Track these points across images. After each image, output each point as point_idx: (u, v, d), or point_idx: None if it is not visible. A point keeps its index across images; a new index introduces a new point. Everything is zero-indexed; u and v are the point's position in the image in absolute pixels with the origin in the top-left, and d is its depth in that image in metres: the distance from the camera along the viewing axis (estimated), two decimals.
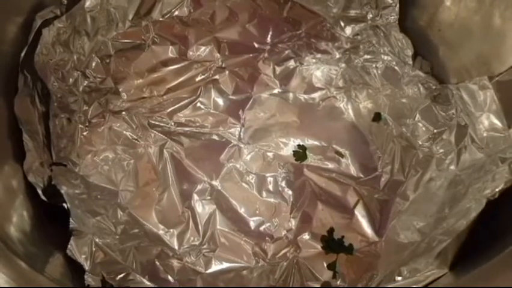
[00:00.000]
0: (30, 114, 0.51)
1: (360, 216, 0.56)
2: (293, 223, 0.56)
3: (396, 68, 0.62)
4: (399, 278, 0.45)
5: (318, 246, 0.54)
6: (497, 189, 0.42)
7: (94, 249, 0.47)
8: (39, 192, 0.48)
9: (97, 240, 0.48)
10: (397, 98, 0.61)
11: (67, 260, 0.46)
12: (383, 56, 0.62)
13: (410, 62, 0.60)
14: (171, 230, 0.54)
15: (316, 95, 0.63)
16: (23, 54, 0.49)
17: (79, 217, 0.49)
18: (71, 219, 0.47)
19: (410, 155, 0.58)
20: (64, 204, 0.48)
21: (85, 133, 0.58)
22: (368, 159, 0.59)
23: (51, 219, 0.48)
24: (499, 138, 0.49)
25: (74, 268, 0.45)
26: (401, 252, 0.50)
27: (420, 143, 0.58)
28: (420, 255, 0.45)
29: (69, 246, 0.46)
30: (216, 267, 0.53)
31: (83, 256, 0.46)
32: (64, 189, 0.50)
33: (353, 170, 0.59)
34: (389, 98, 0.61)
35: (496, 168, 0.45)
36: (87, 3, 0.56)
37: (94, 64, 0.59)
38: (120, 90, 0.61)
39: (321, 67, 0.64)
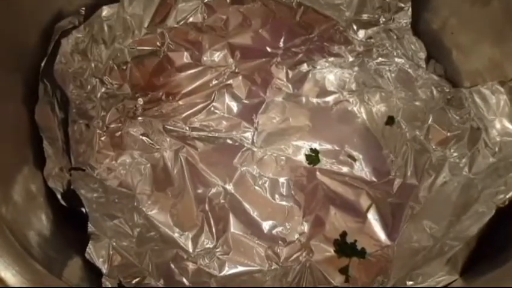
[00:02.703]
0: (50, 121, 0.52)
1: (373, 220, 0.56)
2: (306, 227, 0.56)
3: (409, 71, 0.61)
4: (410, 283, 0.45)
5: (331, 250, 0.54)
6: (507, 196, 0.41)
7: (111, 252, 0.48)
8: (59, 197, 0.49)
9: (114, 243, 0.49)
10: (410, 101, 0.60)
11: (85, 264, 0.47)
12: (396, 59, 0.62)
13: (424, 65, 0.60)
14: (186, 233, 0.55)
15: (329, 99, 0.63)
16: (43, 64, 0.51)
17: (97, 221, 0.50)
18: (89, 224, 0.48)
19: (424, 159, 0.57)
20: (82, 209, 0.49)
21: (103, 138, 0.59)
22: (381, 163, 0.59)
23: (71, 224, 0.49)
24: (511, 143, 0.49)
25: (92, 271, 0.46)
26: (413, 257, 0.50)
27: (433, 146, 0.57)
28: (432, 260, 0.45)
29: (87, 249, 0.47)
30: (229, 270, 0.53)
31: (101, 259, 0.47)
32: (82, 193, 0.51)
33: (365, 174, 0.59)
34: (403, 101, 0.61)
35: (508, 174, 0.45)
36: (104, 12, 0.57)
37: (111, 71, 0.59)
38: (137, 96, 0.61)
39: (334, 70, 0.64)
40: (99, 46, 0.58)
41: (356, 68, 0.63)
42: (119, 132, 0.60)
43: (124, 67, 0.60)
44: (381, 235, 0.55)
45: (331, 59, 0.64)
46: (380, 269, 0.52)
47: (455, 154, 0.56)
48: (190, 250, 0.54)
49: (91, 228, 0.48)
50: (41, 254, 0.42)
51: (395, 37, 0.62)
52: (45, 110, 0.52)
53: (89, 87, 0.58)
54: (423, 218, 0.53)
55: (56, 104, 0.54)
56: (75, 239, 0.48)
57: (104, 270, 0.46)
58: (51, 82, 0.52)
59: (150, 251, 0.52)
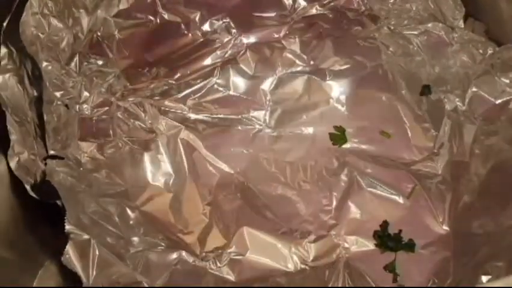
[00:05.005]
0: (18, 98, 0.43)
1: (419, 206, 0.48)
2: (337, 217, 0.48)
3: (441, 34, 0.54)
4: (486, 278, 0.36)
5: (371, 244, 0.46)
6: None
7: (96, 256, 0.38)
8: (28, 187, 0.40)
9: (100, 246, 0.40)
10: (446, 68, 0.54)
11: (62, 272, 0.38)
12: (424, 23, 0.55)
13: (461, 25, 0.54)
14: (191, 232, 0.47)
15: (352, 69, 0.56)
16: (5, 23, 0.42)
17: (78, 218, 0.40)
18: (66, 220, 0.38)
19: (470, 131, 0.50)
20: (58, 202, 0.39)
21: (86, 123, 0.50)
22: (421, 139, 0.52)
23: (43, 221, 0.39)
24: None
25: (70, 280, 0.37)
26: (478, 246, 0.41)
27: (479, 117, 0.50)
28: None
29: (65, 253, 0.37)
30: (247, 274, 0.44)
31: (83, 265, 0.37)
32: (60, 187, 0.42)
33: (403, 152, 0.52)
34: (436, 68, 0.54)
35: None
36: None
37: (94, 44, 0.52)
38: (126, 73, 0.54)
39: (354, 39, 0.57)
40: (79, 12, 0.50)
41: (380, 35, 0.57)
42: (106, 116, 0.52)
43: (110, 40, 0.53)
44: (432, 222, 0.47)
45: (350, 26, 0.58)
46: (436, 263, 0.44)
47: (508, 125, 0.48)
48: (197, 252, 0.46)
49: (68, 225, 0.38)
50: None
51: None
52: (9, 82, 0.42)
53: (68, 60, 0.49)
54: (483, 198, 0.45)
55: (26, 77, 0.45)
56: (50, 239, 0.39)
57: (86, 280, 0.36)
58: (19, 49, 0.44)
59: (147, 254, 0.43)
